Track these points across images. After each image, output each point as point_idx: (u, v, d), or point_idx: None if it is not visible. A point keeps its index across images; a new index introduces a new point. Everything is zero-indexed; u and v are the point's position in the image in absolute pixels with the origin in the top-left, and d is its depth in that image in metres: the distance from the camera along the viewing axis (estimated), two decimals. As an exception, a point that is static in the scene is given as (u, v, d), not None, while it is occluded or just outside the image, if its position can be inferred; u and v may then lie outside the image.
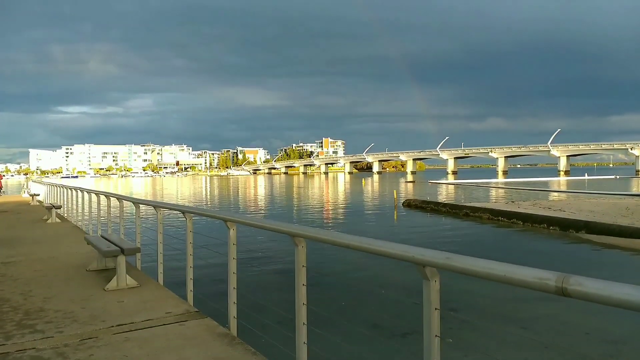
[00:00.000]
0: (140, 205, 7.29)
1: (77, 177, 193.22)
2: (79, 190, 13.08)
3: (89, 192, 11.63)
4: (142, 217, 7.67)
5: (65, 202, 15.69)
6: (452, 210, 27.59)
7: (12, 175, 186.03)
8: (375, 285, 10.04)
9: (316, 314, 3.43)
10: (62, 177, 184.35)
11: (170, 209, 5.98)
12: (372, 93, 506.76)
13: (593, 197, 34.23)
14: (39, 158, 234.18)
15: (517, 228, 21.58)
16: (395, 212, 29.42)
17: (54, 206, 13.90)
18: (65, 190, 16.37)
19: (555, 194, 44.92)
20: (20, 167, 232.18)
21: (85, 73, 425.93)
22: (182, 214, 5.48)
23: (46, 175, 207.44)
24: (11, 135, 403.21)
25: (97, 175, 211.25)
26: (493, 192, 48.93)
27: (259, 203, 41.81)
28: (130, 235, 8.55)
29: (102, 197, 9.86)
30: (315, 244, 3.25)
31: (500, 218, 23.73)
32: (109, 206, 9.41)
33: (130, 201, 7.73)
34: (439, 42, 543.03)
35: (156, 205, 6.40)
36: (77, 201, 13.48)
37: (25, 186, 31.66)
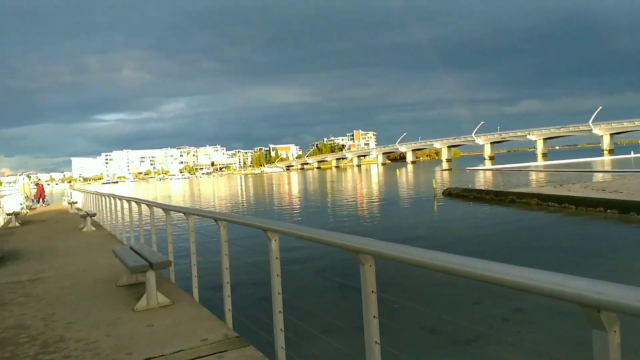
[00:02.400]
0: (171, 212, 6.63)
1: (117, 182, 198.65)
2: (110, 197, 12.69)
3: (120, 198, 11.17)
4: (175, 224, 7.01)
5: (101, 210, 15.40)
6: (496, 197, 26.22)
7: (56, 184, 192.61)
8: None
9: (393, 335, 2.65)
10: (103, 183, 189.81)
11: (202, 215, 5.27)
12: (402, 82, 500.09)
13: (648, 176, 32.03)
14: (81, 166, 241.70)
15: (569, 213, 20.18)
16: (434, 202, 28.26)
17: (88, 214, 13.57)
18: (99, 197, 16.10)
19: (602, 174, 42.58)
20: (64, 175, 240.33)
21: (120, 81, 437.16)
22: (214, 221, 4.76)
23: (88, 182, 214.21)
24: (54, 145, 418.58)
25: (136, 179, 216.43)
26: (534, 176, 46.86)
27: (294, 201, 41.27)
28: (162, 244, 7.90)
29: (133, 204, 9.31)
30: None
31: (550, 203, 22.30)
32: (140, 213, 8.85)
33: (160, 207, 7.10)
34: (467, 25, 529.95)
35: (186, 212, 5.71)
36: (110, 208, 13.10)
37: (65, 194, 32.05)
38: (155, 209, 7.53)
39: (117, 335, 4.53)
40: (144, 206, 8.44)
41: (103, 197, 14.82)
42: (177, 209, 6.16)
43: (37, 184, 31.55)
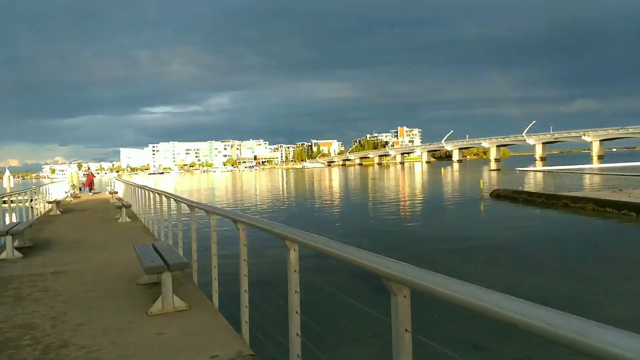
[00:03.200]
0: (196, 208, 6.20)
1: (162, 173, 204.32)
2: (145, 189, 12.52)
3: (153, 191, 10.92)
4: (199, 221, 6.58)
5: (137, 201, 15.35)
6: (548, 200, 24.73)
7: (105, 173, 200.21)
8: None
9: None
10: (150, 174, 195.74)
11: (221, 215, 4.77)
12: (449, 79, 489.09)
13: None
14: (129, 156, 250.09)
15: (628, 220, 18.65)
16: (481, 204, 27.01)
17: (124, 205, 13.49)
18: (134, 188, 16.08)
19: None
20: (113, 165, 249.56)
21: (169, 75, 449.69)
22: (233, 222, 4.24)
23: (135, 172, 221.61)
24: (105, 136, 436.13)
25: (181, 171, 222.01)
26: (589, 179, 44.35)
27: (334, 197, 40.70)
28: (189, 241, 7.49)
29: (164, 198, 8.99)
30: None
31: (608, 209, 20.74)
32: (169, 207, 8.51)
33: (185, 203, 6.69)
34: (519, 23, 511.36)
35: (208, 210, 5.24)
36: (144, 200, 12.95)
37: (109, 184, 32.80)
38: (181, 204, 7.13)
39: (124, 343, 4.11)
40: (172, 200, 8.08)
41: (137, 189, 14.73)
42: (201, 206, 5.71)
43: (87, 173, 32.42)
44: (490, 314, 1.39)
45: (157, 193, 9.66)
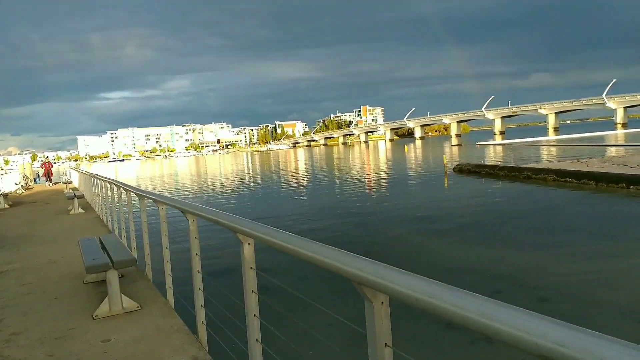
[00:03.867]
0: (146, 198, 5.66)
1: (122, 160, 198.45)
2: (95, 178, 11.76)
3: (102, 179, 10.22)
4: (151, 210, 6.05)
5: (92, 190, 14.51)
6: (510, 173, 25.05)
7: (62, 162, 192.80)
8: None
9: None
10: (109, 162, 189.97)
11: (170, 204, 4.29)
12: (409, 56, 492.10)
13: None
14: (87, 144, 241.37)
15: (589, 189, 19.05)
16: (445, 179, 27.17)
17: (76, 196, 12.68)
18: (87, 177, 15.19)
19: (615, 148, 41.14)
20: (70, 154, 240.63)
21: (124, 58, 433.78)
22: (182, 213, 3.77)
23: (94, 160, 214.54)
24: (60, 124, 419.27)
25: (142, 157, 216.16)
26: (546, 151, 45.49)
27: (300, 178, 40.33)
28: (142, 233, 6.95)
29: (114, 186, 8.35)
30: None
31: (568, 179, 21.14)
32: (120, 196, 7.89)
33: (133, 192, 6.14)
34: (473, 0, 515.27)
35: (156, 200, 4.74)
36: (97, 189, 12.18)
37: (64, 173, 31.28)
38: (130, 193, 6.56)
39: (62, 354, 3.62)
40: (122, 190, 7.46)
41: (90, 178, 13.89)
42: (149, 195, 5.18)
43: (44, 163, 30.80)
44: (501, 337, 1.02)
45: (106, 181, 8.99)
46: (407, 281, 1.31)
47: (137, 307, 4.52)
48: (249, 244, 2.62)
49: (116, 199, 8.33)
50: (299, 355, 5.31)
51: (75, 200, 12.52)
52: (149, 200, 5.27)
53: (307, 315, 6.66)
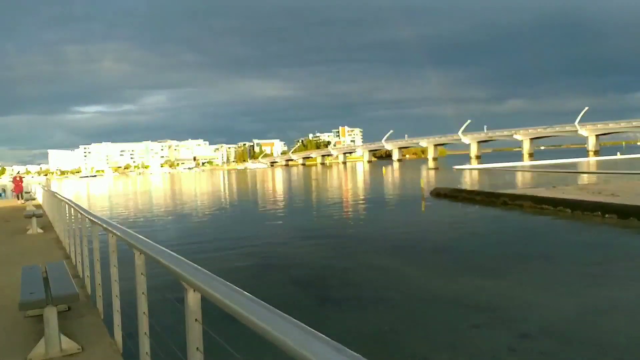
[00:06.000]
0: (97, 224, 5.13)
1: (95, 176, 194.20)
2: (56, 196, 11.08)
3: (59, 198, 9.58)
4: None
5: (53, 209, 13.75)
6: (487, 198, 25.04)
7: (32, 177, 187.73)
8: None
9: None
10: (81, 177, 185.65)
11: (119, 235, 3.79)
12: (387, 79, 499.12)
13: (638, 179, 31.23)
14: (58, 158, 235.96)
15: (564, 217, 19.06)
16: (422, 203, 27.02)
17: (35, 215, 11.94)
18: (49, 194, 14.43)
19: (587, 175, 41.92)
20: (41, 168, 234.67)
21: (100, 72, 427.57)
22: (128, 247, 3.30)
23: (66, 175, 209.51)
24: (31, 137, 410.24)
25: (115, 173, 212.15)
26: (521, 176, 46.05)
27: (277, 199, 39.79)
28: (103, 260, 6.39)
29: (69, 206, 7.75)
30: None
31: (544, 206, 21.17)
32: (76, 218, 7.30)
33: (86, 216, 5.60)
34: (451, 23, 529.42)
35: (106, 227, 4.23)
36: (57, 208, 11.48)
37: (29, 189, 30.05)
38: (80, 215, 6.01)
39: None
40: (79, 212, 6.89)
41: (50, 195, 13.17)
42: (100, 221, 4.67)
43: (14, 178, 29.58)
44: None
45: (62, 200, 8.38)
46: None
47: (78, 349, 3.97)
48: (194, 290, 2.16)
49: (74, 221, 7.73)
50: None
51: (34, 219, 11.77)
52: (101, 227, 4.75)
53: None
